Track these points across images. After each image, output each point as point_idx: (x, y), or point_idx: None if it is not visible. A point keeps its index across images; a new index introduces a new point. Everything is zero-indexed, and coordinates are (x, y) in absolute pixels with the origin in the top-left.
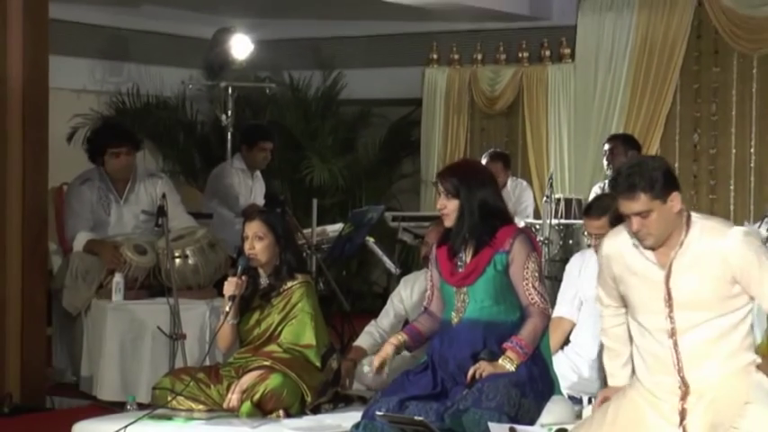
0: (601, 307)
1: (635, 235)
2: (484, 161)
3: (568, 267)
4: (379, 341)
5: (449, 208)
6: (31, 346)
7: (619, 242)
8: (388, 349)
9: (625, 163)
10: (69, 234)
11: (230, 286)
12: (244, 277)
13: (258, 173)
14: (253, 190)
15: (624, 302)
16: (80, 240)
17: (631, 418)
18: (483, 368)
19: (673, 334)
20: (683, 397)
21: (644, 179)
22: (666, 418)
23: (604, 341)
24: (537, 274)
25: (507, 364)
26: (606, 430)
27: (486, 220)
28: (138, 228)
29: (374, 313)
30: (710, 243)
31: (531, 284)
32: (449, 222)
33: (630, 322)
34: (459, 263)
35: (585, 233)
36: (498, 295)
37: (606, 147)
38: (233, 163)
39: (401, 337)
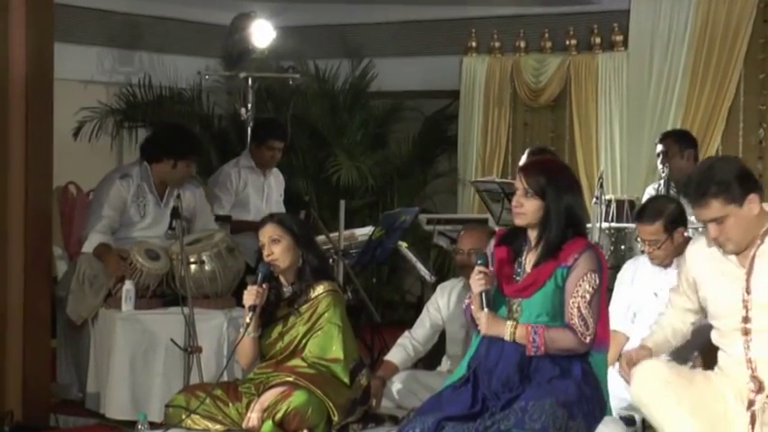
0: (669, 308)
1: (714, 242)
2: (524, 158)
3: (620, 276)
4: (412, 355)
5: (527, 207)
6: (33, 360)
7: (700, 246)
8: None
9: (697, 167)
10: (84, 231)
11: (250, 296)
12: (265, 285)
13: (275, 168)
14: (266, 188)
15: (700, 307)
16: (92, 242)
17: (713, 391)
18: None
19: (747, 333)
20: (756, 395)
21: (714, 184)
22: (739, 414)
23: (655, 325)
24: (588, 297)
25: (509, 326)
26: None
27: (564, 230)
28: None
29: (406, 325)
30: None
31: (576, 304)
32: (522, 222)
33: (712, 331)
34: (518, 269)
35: (638, 239)
36: (555, 311)
37: (659, 148)
38: (239, 161)
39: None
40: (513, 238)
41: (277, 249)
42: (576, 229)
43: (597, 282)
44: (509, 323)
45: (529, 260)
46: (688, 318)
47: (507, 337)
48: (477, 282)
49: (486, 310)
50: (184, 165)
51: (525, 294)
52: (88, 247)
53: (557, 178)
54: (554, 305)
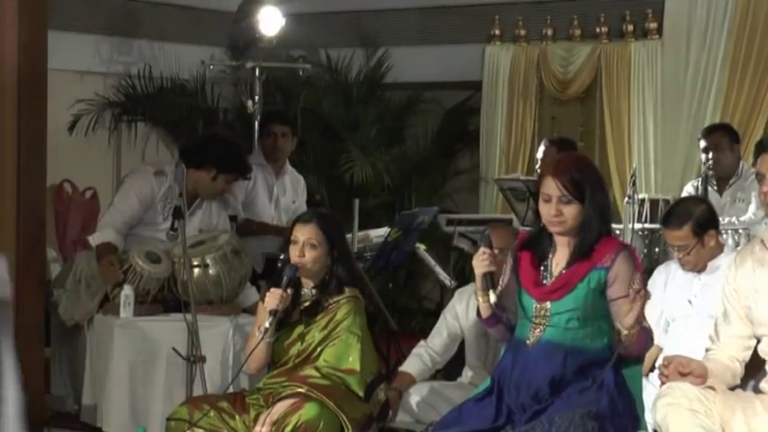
0: (717, 347)
1: None
2: (542, 148)
3: (652, 282)
4: (429, 365)
5: (567, 215)
6: (25, 370)
7: (745, 253)
8: None
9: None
10: (99, 221)
11: (273, 299)
12: (290, 290)
13: (288, 167)
14: (277, 189)
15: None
16: (100, 236)
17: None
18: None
19: None
20: None
21: None
22: None
23: (709, 351)
24: (642, 299)
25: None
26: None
27: (600, 230)
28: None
29: (424, 333)
30: None
31: (637, 308)
32: (561, 229)
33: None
34: (544, 272)
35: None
36: (587, 317)
37: (703, 143)
38: (250, 158)
39: None
40: (537, 242)
41: (310, 255)
42: (606, 228)
43: (641, 282)
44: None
45: (556, 262)
46: (740, 350)
47: (625, 332)
48: (482, 263)
49: (490, 291)
50: (224, 180)
51: (555, 297)
52: (95, 239)
53: (590, 176)
54: (585, 308)
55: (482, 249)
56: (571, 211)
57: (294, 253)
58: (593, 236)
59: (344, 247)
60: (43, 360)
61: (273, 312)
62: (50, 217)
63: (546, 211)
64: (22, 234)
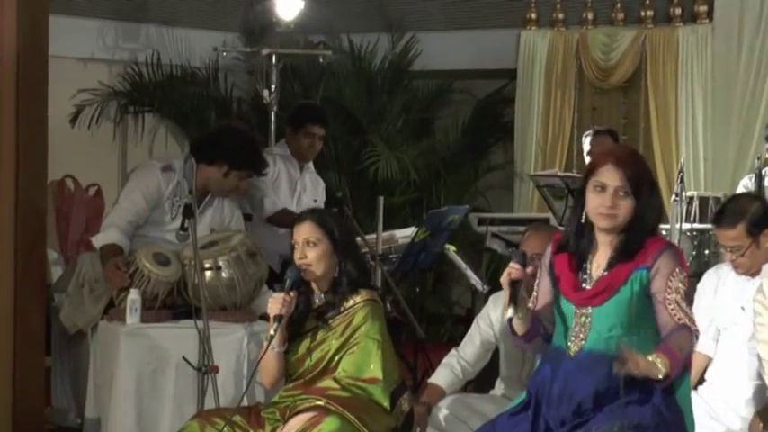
0: None
1: None
2: (587, 140)
3: (701, 287)
4: (460, 376)
5: (622, 209)
6: (25, 380)
7: None
8: None
9: None
10: (104, 221)
11: (276, 304)
12: (293, 293)
13: (311, 165)
14: (300, 185)
15: None
16: (105, 237)
17: None
18: (635, 361)
19: None
20: None
21: None
22: None
23: None
24: (682, 292)
25: (659, 363)
26: None
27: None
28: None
29: (454, 342)
30: None
31: (675, 301)
32: (611, 225)
33: None
34: (583, 275)
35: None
36: (632, 322)
37: None
38: (272, 149)
39: None
40: (576, 241)
41: (312, 254)
42: (655, 229)
43: (686, 281)
44: (654, 358)
45: (596, 264)
46: None
47: (663, 373)
48: (511, 270)
49: (512, 305)
50: (237, 177)
51: (596, 302)
52: (99, 241)
53: (648, 174)
54: (630, 314)
55: (512, 264)
56: (626, 206)
57: (296, 256)
58: (642, 236)
59: (350, 241)
60: (43, 370)
61: (278, 318)
62: (51, 216)
63: (598, 201)
64: (21, 233)
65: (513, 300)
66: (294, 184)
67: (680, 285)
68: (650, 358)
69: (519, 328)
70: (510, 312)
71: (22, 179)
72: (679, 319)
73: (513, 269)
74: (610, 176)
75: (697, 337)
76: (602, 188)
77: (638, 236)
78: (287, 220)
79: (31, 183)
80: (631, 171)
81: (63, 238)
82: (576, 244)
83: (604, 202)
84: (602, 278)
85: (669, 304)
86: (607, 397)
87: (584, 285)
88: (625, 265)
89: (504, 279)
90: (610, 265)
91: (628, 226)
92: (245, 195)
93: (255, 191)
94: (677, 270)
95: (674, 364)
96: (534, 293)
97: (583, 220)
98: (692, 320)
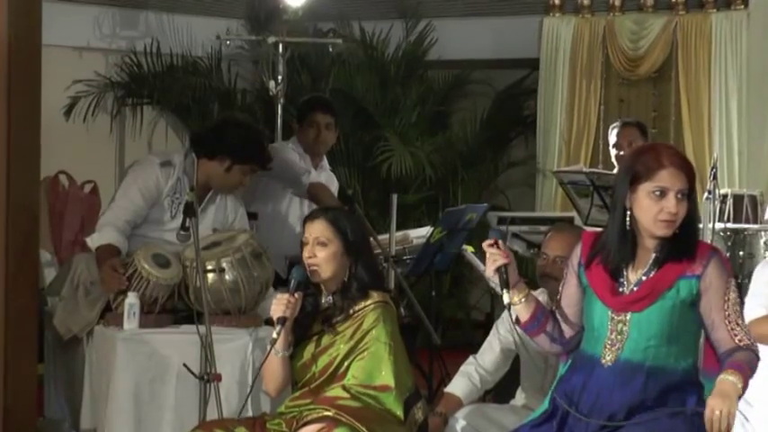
0: None
1: None
2: (613, 131)
3: (754, 280)
4: (479, 386)
5: (681, 213)
6: (16, 389)
7: None
8: None
9: None
10: (99, 220)
11: (280, 306)
12: (298, 294)
13: (326, 163)
14: None
15: None
16: (101, 237)
17: None
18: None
19: None
20: None
21: None
22: None
23: None
24: (738, 309)
25: (731, 377)
26: None
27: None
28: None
29: (472, 349)
30: None
31: (734, 320)
32: (670, 231)
33: None
34: (621, 279)
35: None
36: (672, 332)
37: None
38: (287, 144)
39: None
40: (620, 252)
41: (321, 254)
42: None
43: (737, 290)
44: (732, 380)
45: (634, 267)
46: None
47: (740, 387)
48: (492, 258)
49: (505, 291)
50: (240, 172)
51: (637, 308)
52: (94, 241)
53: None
54: (671, 324)
55: (492, 251)
56: (684, 210)
57: (305, 254)
58: (695, 238)
59: (363, 244)
60: (36, 378)
61: (282, 321)
62: (44, 214)
63: (659, 208)
64: (12, 234)
65: (506, 285)
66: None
67: (735, 296)
68: (722, 376)
69: (522, 312)
70: (506, 298)
71: (13, 176)
72: (740, 340)
73: (495, 256)
74: (675, 180)
75: (758, 358)
76: (663, 193)
77: (691, 238)
78: (326, 194)
79: (22, 179)
80: (690, 171)
81: (57, 239)
82: (620, 254)
83: (669, 208)
84: (645, 283)
85: (729, 324)
86: (640, 411)
87: (621, 290)
88: (670, 270)
89: (489, 271)
90: (651, 269)
91: (680, 228)
92: (273, 176)
93: (292, 161)
94: (730, 281)
95: (746, 381)
96: (558, 296)
97: (629, 227)
98: (751, 340)
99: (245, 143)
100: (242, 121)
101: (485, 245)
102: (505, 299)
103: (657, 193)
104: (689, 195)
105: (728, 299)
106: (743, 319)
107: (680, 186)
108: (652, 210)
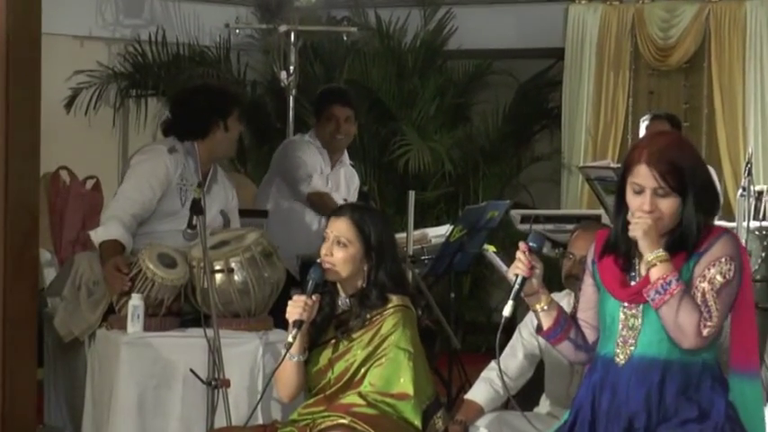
0: None
1: None
2: (643, 125)
3: None
4: (500, 392)
5: (664, 208)
6: (14, 395)
7: None
8: None
9: None
10: (104, 213)
11: (296, 309)
12: (315, 296)
13: (346, 158)
14: (332, 181)
15: None
16: (106, 231)
17: None
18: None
19: None
20: None
21: None
22: None
23: None
24: (717, 285)
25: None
26: None
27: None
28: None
29: (493, 353)
30: None
31: (702, 289)
32: (635, 229)
33: None
34: (632, 273)
35: None
36: None
37: None
38: (304, 137)
39: None
40: (625, 242)
41: (339, 255)
42: (708, 223)
43: (732, 273)
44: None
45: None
46: None
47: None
48: (515, 265)
49: (511, 301)
50: (235, 121)
51: (646, 299)
52: (98, 235)
53: (697, 169)
54: None
55: (520, 256)
56: (669, 206)
57: (322, 250)
58: (694, 233)
59: (387, 248)
60: (35, 383)
61: (298, 324)
62: (44, 212)
63: (637, 204)
64: (11, 232)
65: (515, 296)
66: (326, 180)
67: (717, 277)
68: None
69: (545, 320)
70: (507, 310)
71: (12, 171)
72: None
73: (518, 265)
74: (644, 176)
75: (698, 331)
76: (639, 190)
77: (691, 233)
78: (327, 204)
79: (22, 175)
80: (669, 168)
81: (57, 237)
82: (626, 243)
83: (643, 205)
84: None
85: (695, 289)
86: (660, 409)
87: (632, 283)
88: (677, 257)
89: (510, 273)
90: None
91: (678, 223)
92: (279, 175)
93: (300, 162)
94: (723, 259)
95: (661, 282)
96: (578, 298)
97: (625, 221)
98: (707, 312)
99: (213, 98)
100: (191, 88)
101: (519, 248)
102: (506, 311)
103: (636, 188)
104: (680, 192)
105: (707, 272)
106: (719, 302)
107: (652, 185)
108: (633, 204)
